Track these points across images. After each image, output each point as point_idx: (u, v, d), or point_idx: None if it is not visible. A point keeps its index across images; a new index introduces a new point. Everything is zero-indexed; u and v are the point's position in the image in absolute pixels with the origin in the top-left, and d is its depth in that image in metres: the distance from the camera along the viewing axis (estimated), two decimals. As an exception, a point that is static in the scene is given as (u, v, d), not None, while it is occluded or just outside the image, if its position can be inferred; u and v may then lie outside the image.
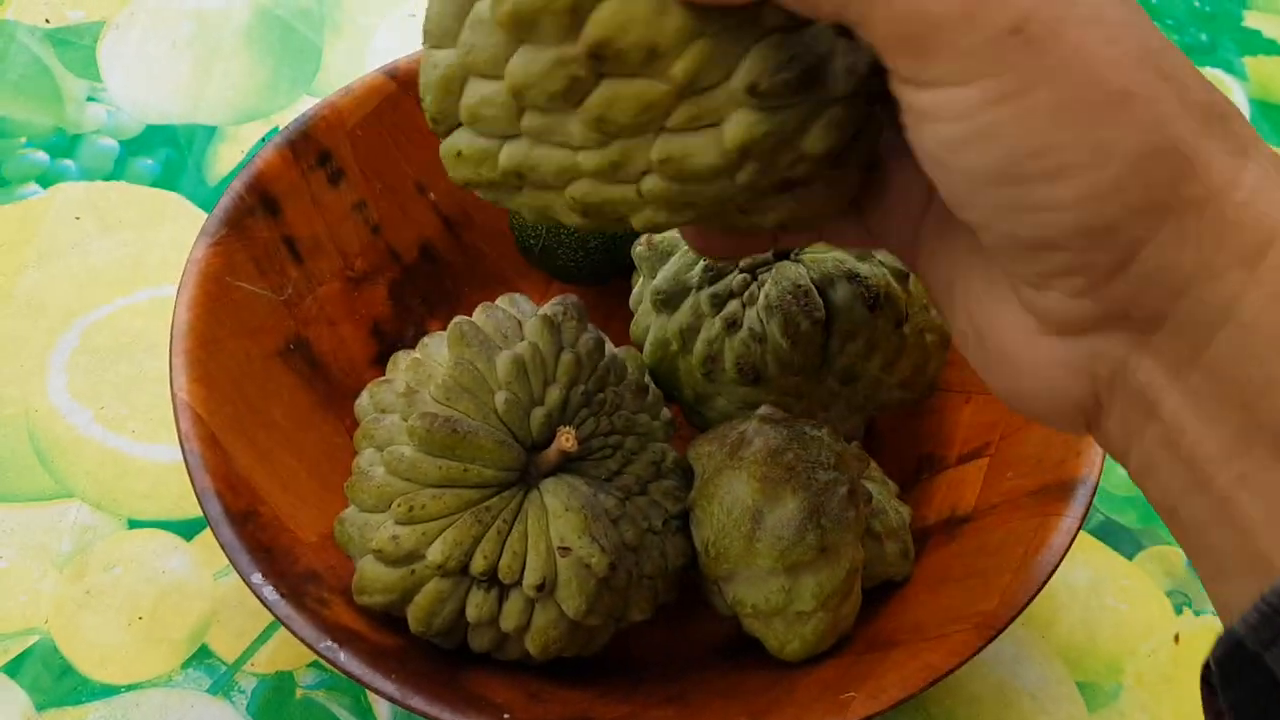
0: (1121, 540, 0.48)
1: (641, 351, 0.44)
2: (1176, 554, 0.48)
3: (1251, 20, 0.68)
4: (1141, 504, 0.50)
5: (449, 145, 0.29)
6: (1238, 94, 0.65)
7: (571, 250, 0.48)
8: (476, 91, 0.27)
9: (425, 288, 0.50)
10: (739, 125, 0.25)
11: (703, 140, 0.26)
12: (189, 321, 0.42)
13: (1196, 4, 0.69)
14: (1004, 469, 0.42)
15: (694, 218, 0.28)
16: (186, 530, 0.47)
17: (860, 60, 0.26)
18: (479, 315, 0.39)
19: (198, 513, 0.47)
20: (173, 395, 0.40)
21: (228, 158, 0.58)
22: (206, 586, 0.46)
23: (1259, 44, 0.67)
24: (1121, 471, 0.50)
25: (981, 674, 0.45)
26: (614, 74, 0.25)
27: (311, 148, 0.47)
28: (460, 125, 0.28)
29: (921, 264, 0.29)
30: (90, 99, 0.60)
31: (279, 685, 0.44)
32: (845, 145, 0.27)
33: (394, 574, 0.36)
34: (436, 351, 0.39)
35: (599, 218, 0.28)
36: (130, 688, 0.43)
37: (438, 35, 0.27)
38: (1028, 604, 0.36)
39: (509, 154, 0.27)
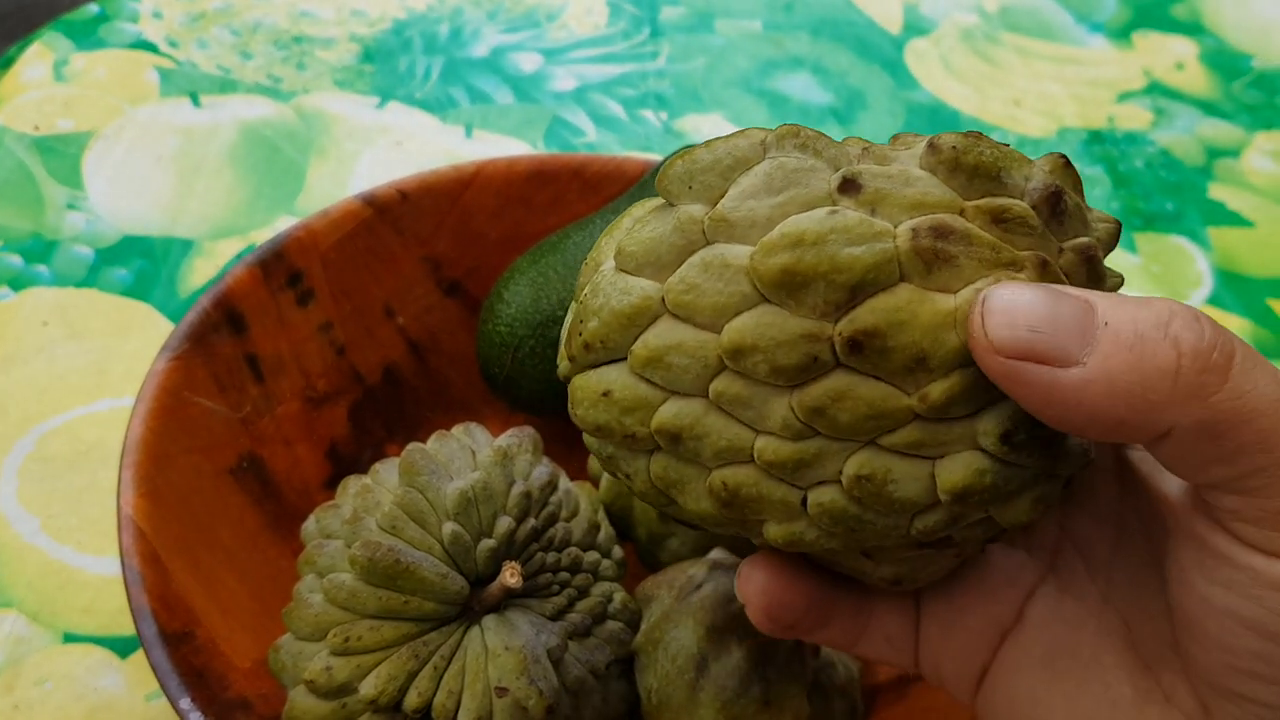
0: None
1: (598, 488, 0.44)
2: None
3: (1215, 192, 0.70)
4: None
5: (596, 380, 0.25)
6: (1202, 263, 0.66)
7: (535, 381, 0.48)
8: (673, 335, 0.24)
9: (387, 411, 0.50)
10: (964, 469, 0.23)
11: (913, 469, 0.23)
12: (142, 435, 0.41)
13: (1163, 174, 0.71)
14: (956, 627, 0.42)
15: (822, 547, 0.25)
16: (122, 648, 0.46)
17: (1090, 448, 0.24)
18: (432, 443, 0.39)
19: (134, 630, 0.46)
20: (118, 509, 0.39)
21: (202, 272, 0.58)
22: (137, 708, 0.44)
23: (1223, 215, 0.69)
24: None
25: (930, 839, 0.44)
26: (857, 369, 0.23)
27: (283, 267, 0.47)
28: (621, 361, 0.25)
29: (998, 699, 0.28)
30: (70, 206, 0.60)
31: (202, 817, 0.42)
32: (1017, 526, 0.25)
33: (325, 707, 0.35)
34: (387, 478, 0.39)
35: (735, 512, 0.25)
36: (46, 812, 0.42)
37: (640, 261, 0.24)
38: (973, 769, 0.35)
39: (676, 412, 0.24)
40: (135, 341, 0.55)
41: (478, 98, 0.70)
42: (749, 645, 0.36)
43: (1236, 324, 0.63)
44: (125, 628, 0.46)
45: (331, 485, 0.47)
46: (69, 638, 0.46)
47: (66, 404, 0.53)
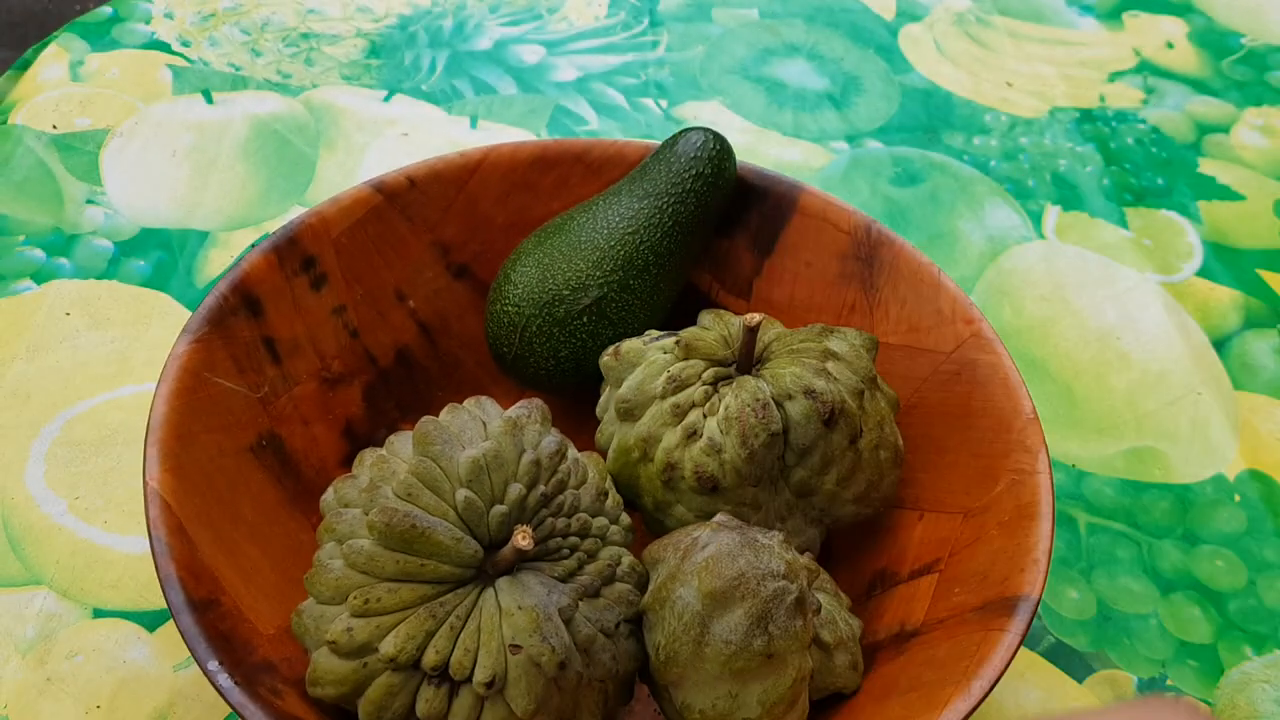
0: (1072, 663, 0.49)
1: (605, 459, 0.46)
2: (1126, 677, 0.49)
3: (1205, 167, 0.72)
4: (1092, 627, 0.50)
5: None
6: (1192, 236, 0.67)
7: (543, 359, 0.50)
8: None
9: (399, 392, 0.52)
10: None
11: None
12: (165, 414, 0.43)
13: (1153, 150, 0.72)
14: (952, 585, 0.43)
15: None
16: (150, 621, 0.47)
17: None
18: (445, 415, 0.41)
19: (162, 604, 0.48)
20: (144, 484, 0.41)
21: (218, 262, 0.60)
22: (166, 678, 0.46)
23: (1213, 189, 0.70)
24: (1073, 594, 0.51)
25: (932, 793, 0.45)
26: None
27: (297, 253, 0.49)
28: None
29: None
30: (89, 201, 0.62)
31: (230, 780, 0.44)
32: None
33: (347, 666, 0.37)
34: (402, 449, 0.40)
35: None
36: (81, 777, 0.43)
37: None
38: (970, 714, 0.37)
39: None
40: (155, 330, 0.57)
41: (482, 89, 0.72)
42: (751, 602, 0.38)
43: (1228, 294, 0.64)
44: (152, 602, 0.48)
45: (348, 463, 0.49)
46: (98, 613, 0.48)
47: (91, 390, 0.54)
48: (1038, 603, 0.40)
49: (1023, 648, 0.49)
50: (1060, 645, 0.50)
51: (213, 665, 0.37)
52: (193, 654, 0.38)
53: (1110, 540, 0.53)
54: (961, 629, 0.41)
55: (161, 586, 0.39)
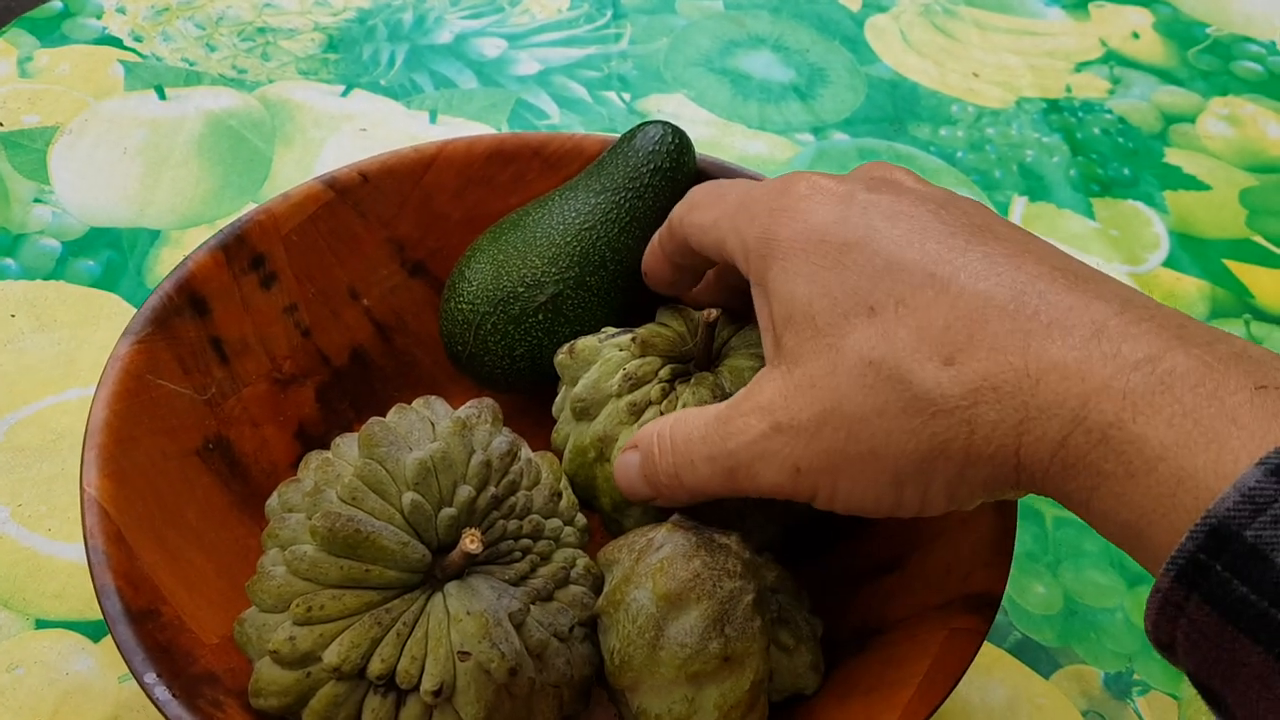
0: (1038, 659, 0.48)
1: (561, 460, 0.45)
2: (1093, 673, 0.48)
3: (1171, 157, 0.71)
4: (1059, 621, 0.50)
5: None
6: (1159, 226, 0.67)
7: (498, 358, 0.49)
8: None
9: (354, 391, 0.51)
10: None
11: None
12: (105, 418, 0.42)
13: (1120, 140, 0.71)
14: (914, 582, 0.42)
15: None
16: (94, 632, 0.46)
17: None
18: (392, 416, 0.40)
19: (106, 613, 0.46)
20: (81, 491, 0.40)
21: (170, 262, 0.59)
22: (111, 689, 0.45)
23: (1178, 179, 0.70)
24: (1039, 589, 0.50)
25: (897, 794, 0.44)
26: None
27: (245, 251, 0.48)
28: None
29: None
30: (37, 200, 0.61)
31: (177, 793, 0.43)
32: None
33: (290, 676, 0.36)
34: (348, 451, 0.39)
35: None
36: (23, 793, 0.42)
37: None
38: (932, 713, 0.36)
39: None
40: (104, 331, 0.56)
41: (442, 83, 0.71)
42: (707, 604, 0.37)
43: (1194, 285, 0.64)
44: (97, 612, 0.46)
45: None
46: (41, 624, 0.46)
47: (36, 394, 0.53)
48: (999, 599, 0.39)
49: (989, 644, 0.49)
50: (1026, 641, 0.49)
51: (150, 678, 0.36)
52: (129, 666, 0.36)
53: (1076, 533, 0.53)
54: (923, 627, 0.40)
55: (98, 597, 0.38)
